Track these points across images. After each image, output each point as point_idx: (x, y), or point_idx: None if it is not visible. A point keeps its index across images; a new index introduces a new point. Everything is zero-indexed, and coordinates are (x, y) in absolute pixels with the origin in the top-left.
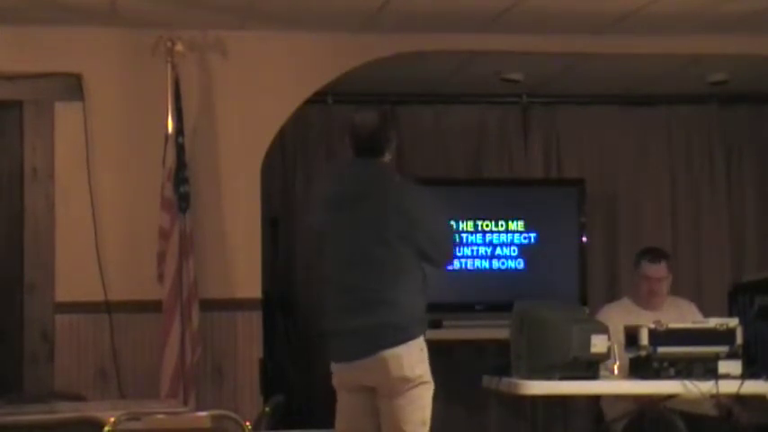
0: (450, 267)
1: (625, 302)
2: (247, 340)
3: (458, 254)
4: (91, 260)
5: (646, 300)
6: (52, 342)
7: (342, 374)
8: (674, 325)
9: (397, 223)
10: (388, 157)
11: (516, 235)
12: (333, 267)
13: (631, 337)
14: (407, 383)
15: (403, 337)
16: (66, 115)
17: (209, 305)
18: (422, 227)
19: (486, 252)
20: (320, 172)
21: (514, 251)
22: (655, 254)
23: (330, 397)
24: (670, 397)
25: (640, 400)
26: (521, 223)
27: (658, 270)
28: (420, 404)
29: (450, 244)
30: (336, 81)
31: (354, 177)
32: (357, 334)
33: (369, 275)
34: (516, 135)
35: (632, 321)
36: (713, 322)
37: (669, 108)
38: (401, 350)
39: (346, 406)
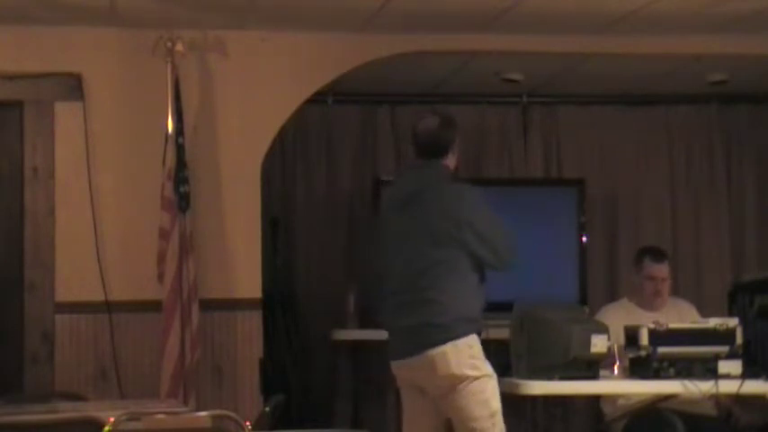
0: None
1: (625, 303)
2: (247, 340)
3: None
4: (91, 260)
5: (650, 300)
6: (52, 342)
7: (397, 372)
8: (674, 325)
9: (446, 225)
10: (450, 159)
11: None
12: (388, 268)
13: (631, 337)
14: (456, 381)
15: (447, 336)
16: (67, 115)
17: (209, 305)
18: (472, 229)
19: None
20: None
21: None
22: (657, 253)
23: (328, 396)
24: (670, 397)
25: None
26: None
27: (662, 270)
28: (482, 398)
29: (506, 246)
30: (336, 81)
31: (410, 179)
32: (406, 333)
33: (418, 276)
34: (516, 135)
35: (633, 322)
36: (713, 322)
37: (669, 108)
38: (447, 348)
39: (406, 402)
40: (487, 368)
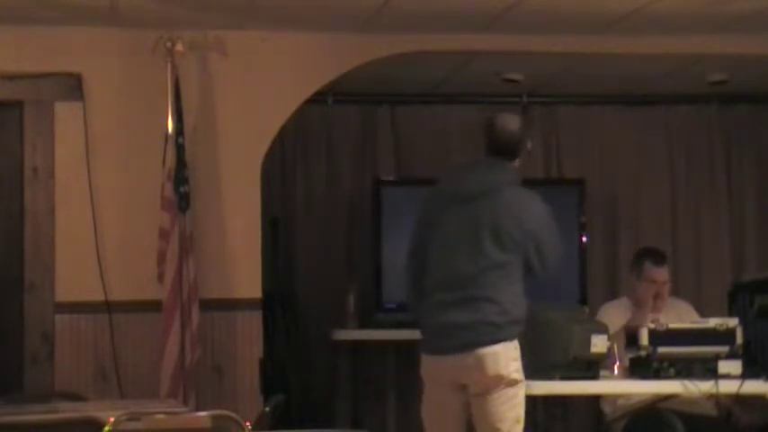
0: None
1: (625, 302)
2: (247, 340)
3: None
4: (91, 260)
5: (652, 303)
6: (52, 342)
7: (433, 367)
8: (674, 325)
9: (511, 228)
10: (517, 162)
11: None
12: (438, 261)
13: (631, 337)
14: (501, 381)
15: (501, 336)
16: (67, 115)
17: (209, 305)
18: (536, 240)
19: None
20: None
21: None
22: (657, 256)
23: (328, 396)
24: (670, 397)
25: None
26: None
27: (662, 272)
28: (514, 402)
29: (554, 259)
30: (336, 81)
31: (477, 176)
32: (454, 329)
33: (478, 275)
34: None
35: (633, 322)
36: (713, 322)
37: (669, 108)
38: (498, 348)
39: (434, 399)
40: (522, 373)
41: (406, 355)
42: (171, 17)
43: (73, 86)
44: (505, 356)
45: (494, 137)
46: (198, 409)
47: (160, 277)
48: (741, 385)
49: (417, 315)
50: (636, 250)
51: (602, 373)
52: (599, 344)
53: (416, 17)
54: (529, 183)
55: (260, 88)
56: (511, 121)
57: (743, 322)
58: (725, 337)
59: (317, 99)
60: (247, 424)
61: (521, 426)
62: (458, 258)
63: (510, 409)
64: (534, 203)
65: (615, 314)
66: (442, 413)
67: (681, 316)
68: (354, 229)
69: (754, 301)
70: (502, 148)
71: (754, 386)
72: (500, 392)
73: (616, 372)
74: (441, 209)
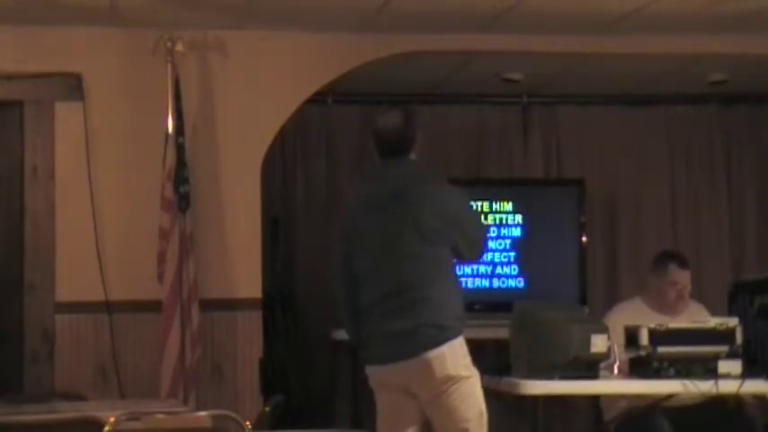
0: None
1: (638, 304)
2: (247, 340)
3: None
4: (91, 260)
5: (672, 305)
6: (52, 342)
7: (381, 377)
8: (673, 325)
9: (435, 221)
10: (413, 156)
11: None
12: (369, 273)
13: (631, 336)
14: (451, 382)
15: (445, 336)
16: (67, 115)
17: (209, 305)
18: (458, 224)
19: None
20: (352, 179)
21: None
22: (682, 259)
23: (328, 396)
24: (670, 397)
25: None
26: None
27: (686, 275)
28: (473, 399)
29: (483, 240)
30: (336, 81)
31: (388, 178)
32: (398, 336)
33: (409, 275)
34: (516, 135)
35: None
36: (713, 322)
37: (669, 108)
38: (444, 349)
39: (387, 407)
40: (473, 368)
41: None
42: (171, 17)
43: (73, 86)
44: (452, 356)
45: (380, 138)
46: (198, 408)
47: (160, 277)
48: (741, 385)
49: (357, 336)
50: (657, 252)
51: (602, 372)
52: (599, 344)
53: (416, 17)
54: (529, 183)
55: (260, 88)
56: (392, 118)
57: (743, 322)
58: (725, 336)
59: (317, 99)
60: (247, 424)
61: (485, 418)
62: (388, 265)
63: (470, 406)
64: (447, 191)
65: (628, 314)
66: (396, 423)
67: (695, 318)
68: None
69: (754, 301)
70: (393, 147)
71: (754, 386)
72: (455, 393)
73: (616, 371)
74: (358, 224)
